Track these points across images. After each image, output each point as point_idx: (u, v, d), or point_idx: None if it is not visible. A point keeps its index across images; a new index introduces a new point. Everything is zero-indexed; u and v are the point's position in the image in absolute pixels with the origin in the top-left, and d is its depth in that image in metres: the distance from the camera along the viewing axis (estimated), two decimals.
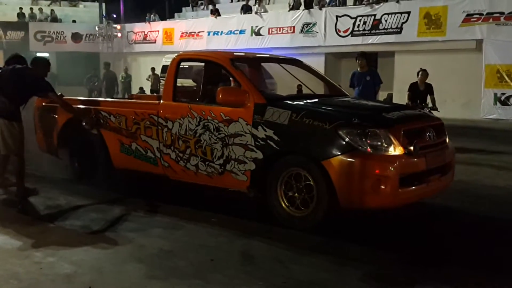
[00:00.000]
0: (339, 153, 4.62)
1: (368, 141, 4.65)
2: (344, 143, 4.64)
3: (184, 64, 6.16)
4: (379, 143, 4.68)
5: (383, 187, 4.56)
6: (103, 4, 29.43)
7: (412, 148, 4.73)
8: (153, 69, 21.27)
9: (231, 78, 5.96)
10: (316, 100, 5.81)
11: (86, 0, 31.93)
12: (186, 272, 4.00)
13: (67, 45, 27.27)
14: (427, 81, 10.16)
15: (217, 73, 6.23)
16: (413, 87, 10.14)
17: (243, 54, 6.75)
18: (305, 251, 4.44)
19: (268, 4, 25.16)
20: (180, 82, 6.18)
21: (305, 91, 6.78)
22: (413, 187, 4.78)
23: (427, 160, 4.87)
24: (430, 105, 10.09)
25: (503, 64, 16.25)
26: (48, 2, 30.30)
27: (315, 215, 4.82)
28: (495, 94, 16.46)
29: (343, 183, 4.62)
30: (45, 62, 6.42)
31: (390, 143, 4.68)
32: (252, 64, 6.67)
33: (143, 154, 6.03)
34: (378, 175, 4.57)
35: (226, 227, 5.04)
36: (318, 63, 16.64)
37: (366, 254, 4.42)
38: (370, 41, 18.78)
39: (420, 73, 10.15)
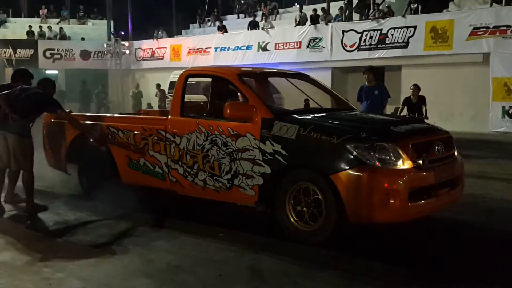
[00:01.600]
0: (347, 167, 4.61)
1: (376, 155, 4.62)
2: (352, 157, 4.62)
3: (192, 80, 6.19)
4: (388, 157, 4.65)
5: (392, 201, 4.53)
6: (111, 22, 29.72)
7: (421, 161, 4.70)
8: (158, 85, 21.45)
9: (238, 93, 5.98)
10: (324, 114, 5.82)
11: (95, 18, 32.28)
12: (194, 287, 3.99)
13: (75, 62, 27.52)
14: (420, 94, 11.29)
15: (225, 88, 6.25)
16: (406, 101, 11.40)
17: (250, 69, 6.77)
18: (314, 266, 4.41)
19: (275, 20, 25.35)
20: (188, 97, 6.21)
21: (312, 105, 6.79)
22: (423, 201, 4.73)
23: (436, 174, 4.84)
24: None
25: (511, 77, 16.19)
26: (57, 20, 30.68)
27: (324, 229, 4.80)
28: (503, 107, 16.38)
29: (352, 197, 4.60)
30: (51, 83, 6.58)
31: (398, 157, 4.66)
32: (259, 79, 6.70)
33: (151, 169, 6.05)
34: (387, 189, 4.55)
35: (234, 242, 5.03)
36: (324, 78, 16.65)
37: (376, 269, 4.38)
38: (376, 56, 18.81)
39: (412, 88, 11.37)
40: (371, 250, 4.85)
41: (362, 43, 19.33)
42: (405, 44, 18.31)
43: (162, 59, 26.55)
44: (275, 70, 8.01)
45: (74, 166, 6.89)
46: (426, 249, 4.96)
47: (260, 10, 26.70)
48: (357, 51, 19.44)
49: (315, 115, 5.62)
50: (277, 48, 21.88)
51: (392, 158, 4.66)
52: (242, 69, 6.39)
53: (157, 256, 4.67)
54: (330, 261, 4.54)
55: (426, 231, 5.42)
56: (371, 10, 20.25)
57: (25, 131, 6.12)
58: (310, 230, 4.89)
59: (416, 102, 11.15)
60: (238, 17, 28.97)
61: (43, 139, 7.25)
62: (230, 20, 28.55)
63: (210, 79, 6.64)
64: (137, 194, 6.40)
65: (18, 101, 6.06)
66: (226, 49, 23.65)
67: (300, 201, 4.96)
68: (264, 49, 22.27)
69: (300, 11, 22.70)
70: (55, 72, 26.98)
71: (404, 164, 4.66)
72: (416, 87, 11.29)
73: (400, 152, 4.67)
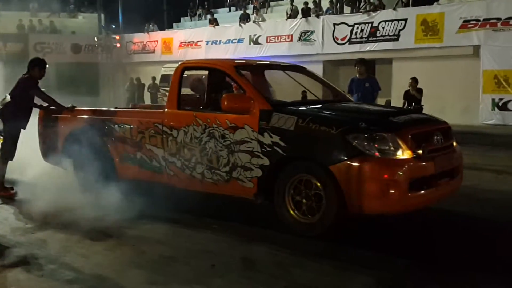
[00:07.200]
0: (347, 158, 4.56)
1: (376, 146, 4.58)
2: (351, 147, 4.57)
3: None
4: (387, 147, 4.61)
5: (392, 191, 4.50)
6: (102, 15, 29.54)
7: (420, 151, 4.66)
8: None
9: (234, 85, 5.93)
10: (322, 105, 5.77)
11: (85, 11, 32.05)
12: (187, 277, 4.00)
13: (66, 56, 27.31)
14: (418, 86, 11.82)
15: (222, 81, 6.20)
16: (406, 94, 11.93)
17: (247, 61, 6.73)
18: (308, 256, 4.43)
19: (266, 13, 25.30)
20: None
21: (309, 97, 6.77)
22: (423, 192, 4.69)
23: (435, 164, 4.80)
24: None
25: (501, 70, 16.28)
26: (48, 14, 30.42)
27: (324, 221, 4.75)
28: (493, 100, 16.48)
29: (351, 188, 4.55)
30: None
31: (398, 147, 4.61)
32: (255, 71, 6.64)
33: (148, 163, 6.01)
34: (387, 179, 4.51)
35: (228, 233, 5.04)
36: (316, 71, 16.47)
37: (371, 259, 4.38)
38: (367, 49, 18.82)
39: (410, 81, 11.92)
40: (368, 241, 4.85)
41: (353, 36, 19.35)
42: (396, 37, 18.36)
43: (153, 52, 26.49)
44: (271, 63, 7.99)
45: (70, 161, 6.82)
46: (421, 239, 4.96)
47: (251, 3, 26.62)
48: (348, 44, 19.46)
49: (313, 106, 5.58)
50: (268, 41, 21.85)
51: (392, 148, 4.61)
52: (238, 61, 6.35)
53: (150, 247, 4.68)
54: (325, 251, 4.56)
55: (420, 222, 5.43)
56: (362, 3, 20.26)
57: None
58: (310, 222, 4.84)
59: (414, 95, 11.59)
60: (230, 10, 28.87)
61: (38, 133, 7.17)
62: (221, 13, 28.46)
63: (197, 72, 6.59)
64: (130, 187, 6.38)
65: None
66: (218, 43, 23.59)
67: (299, 193, 4.91)
68: (256, 42, 22.24)
69: (291, 4, 22.66)
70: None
71: (403, 154, 4.61)
72: (414, 80, 11.70)
73: (400, 142, 4.63)
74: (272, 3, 26.74)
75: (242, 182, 5.24)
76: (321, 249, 4.61)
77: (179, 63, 6.28)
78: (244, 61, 6.58)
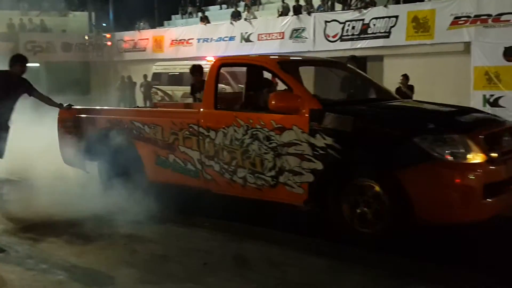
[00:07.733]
0: (414, 162, 4.24)
1: (446, 148, 4.24)
2: (419, 150, 4.24)
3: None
4: (458, 150, 4.26)
5: (465, 198, 4.18)
6: (93, 14, 29.40)
7: (494, 154, 4.32)
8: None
9: (277, 82, 5.72)
10: (378, 104, 5.44)
11: (76, 10, 31.89)
12: (179, 276, 4.01)
13: (57, 54, 27.18)
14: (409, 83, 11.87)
15: (261, 78, 5.95)
16: (398, 91, 11.58)
17: (287, 57, 6.34)
18: (303, 254, 4.43)
19: (257, 10, 25.27)
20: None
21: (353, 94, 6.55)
22: (497, 198, 4.30)
23: (507, 168, 4.44)
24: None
25: (492, 66, 16.31)
26: (38, 13, 30.24)
27: (387, 231, 4.42)
28: (484, 96, 16.52)
29: (420, 195, 4.23)
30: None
31: (469, 150, 4.26)
32: (295, 68, 6.11)
33: (182, 166, 5.72)
34: (459, 185, 4.20)
35: (219, 231, 5.05)
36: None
37: (371, 259, 4.31)
38: (359, 46, 18.82)
39: (401, 78, 11.89)
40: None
41: (344, 33, 19.36)
42: (387, 34, 18.37)
43: (145, 50, 26.37)
44: (312, 58, 7.75)
45: (94, 164, 6.59)
46: (420, 239, 4.78)
47: (243, 1, 26.59)
48: (340, 41, 19.45)
49: (369, 105, 5.26)
50: (260, 39, 21.81)
51: (463, 151, 4.26)
52: (280, 57, 6.01)
53: (141, 246, 4.68)
54: (319, 250, 4.53)
55: None
56: (353, 0, 20.29)
57: None
58: (371, 232, 4.51)
59: (406, 92, 11.49)
60: (221, 8, 28.80)
61: (58, 135, 6.92)
62: (212, 11, 28.39)
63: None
64: (119, 186, 6.36)
65: None
66: (209, 40, 23.53)
67: (358, 200, 4.57)
68: (247, 40, 22.21)
69: (283, 1, 22.65)
70: (37, 65, 26.60)
71: (475, 157, 4.25)
72: (405, 77, 11.70)
73: (471, 144, 4.28)
74: (263, 1, 26.69)
75: (290, 188, 4.89)
76: (320, 248, 4.58)
77: (215, 59, 5.93)
78: (284, 57, 6.25)
